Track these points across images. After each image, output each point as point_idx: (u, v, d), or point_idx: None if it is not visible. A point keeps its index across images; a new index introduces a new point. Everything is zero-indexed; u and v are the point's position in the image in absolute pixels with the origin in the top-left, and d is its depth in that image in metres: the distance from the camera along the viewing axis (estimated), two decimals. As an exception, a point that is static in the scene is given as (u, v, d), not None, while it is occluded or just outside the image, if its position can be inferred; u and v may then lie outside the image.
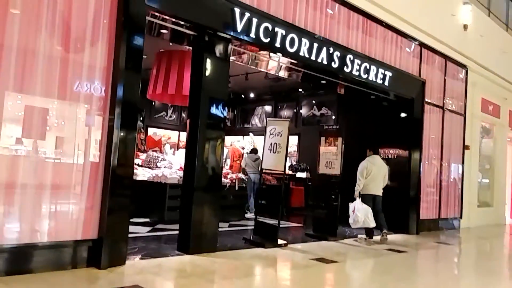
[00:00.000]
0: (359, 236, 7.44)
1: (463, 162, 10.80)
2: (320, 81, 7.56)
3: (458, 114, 10.63)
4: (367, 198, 7.23)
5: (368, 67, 7.45)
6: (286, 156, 6.42)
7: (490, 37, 11.31)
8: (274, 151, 6.55)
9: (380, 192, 7.41)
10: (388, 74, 7.90)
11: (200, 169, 5.29)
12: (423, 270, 6.06)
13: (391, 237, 8.16)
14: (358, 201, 7.12)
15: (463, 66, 10.57)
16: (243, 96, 13.69)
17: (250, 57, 6.51)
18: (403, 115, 9.02)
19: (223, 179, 7.00)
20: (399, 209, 8.73)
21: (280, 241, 6.27)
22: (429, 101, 9.43)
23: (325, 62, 6.63)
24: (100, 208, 4.26)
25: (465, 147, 10.91)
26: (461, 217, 10.68)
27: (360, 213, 6.97)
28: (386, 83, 7.90)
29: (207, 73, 5.34)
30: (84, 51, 4.22)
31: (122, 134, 4.31)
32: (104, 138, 4.30)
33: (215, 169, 5.46)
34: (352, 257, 6.14)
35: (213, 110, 5.37)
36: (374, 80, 7.64)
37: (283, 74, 7.47)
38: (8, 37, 3.77)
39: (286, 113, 13.11)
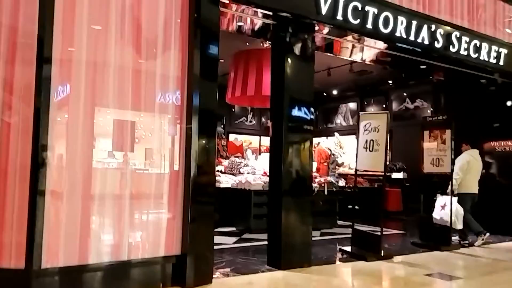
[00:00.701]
0: (474, 243, 6.39)
1: None
2: (419, 66, 6.55)
3: None
4: (466, 198, 6.37)
5: (478, 45, 6.27)
6: (386, 154, 5.55)
7: None
8: (371, 149, 5.71)
9: (477, 190, 6.53)
10: (503, 51, 6.61)
11: (287, 173, 4.69)
12: None
13: (507, 244, 6.85)
14: (454, 199, 6.29)
15: None
16: (325, 94, 12.88)
17: (337, 46, 5.77)
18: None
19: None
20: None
21: (383, 253, 5.42)
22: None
23: (426, 42, 5.64)
24: (182, 220, 3.85)
25: None
26: None
27: (457, 213, 6.24)
28: (501, 62, 6.61)
29: (289, 69, 4.75)
30: (158, 59, 3.91)
31: (201, 141, 3.96)
32: (183, 147, 3.95)
33: (303, 173, 4.81)
34: (477, 271, 5.06)
35: (297, 111, 4.75)
36: (487, 59, 6.42)
37: (375, 61, 6.60)
38: (97, 54, 3.59)
39: (373, 109, 12.03)
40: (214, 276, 4.05)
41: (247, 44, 7.88)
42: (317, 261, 4.97)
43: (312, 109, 4.92)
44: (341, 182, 9.83)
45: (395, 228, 8.15)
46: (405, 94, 11.25)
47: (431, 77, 8.43)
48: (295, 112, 4.75)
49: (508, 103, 7.79)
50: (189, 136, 3.93)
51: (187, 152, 3.91)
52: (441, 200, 6.45)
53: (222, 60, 10.01)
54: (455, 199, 6.35)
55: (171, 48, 3.98)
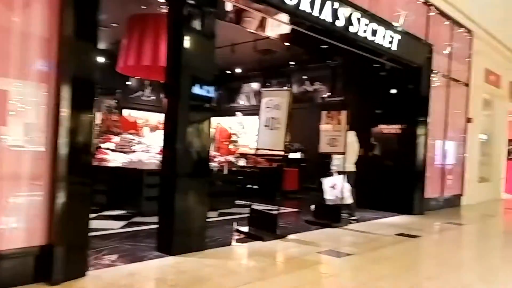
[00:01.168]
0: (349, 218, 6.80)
1: (465, 136, 10.07)
2: (320, 46, 6.53)
3: (463, 84, 9.80)
4: (343, 174, 6.66)
5: (375, 28, 6.43)
6: (287, 133, 5.42)
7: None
8: (272, 127, 5.53)
9: (354, 168, 6.89)
10: (397, 37, 6.92)
11: (182, 153, 4.26)
12: (446, 257, 5.22)
13: (398, 219, 7.39)
14: (339, 177, 6.59)
15: (468, 31, 9.68)
16: (229, 72, 12.57)
17: (241, 16, 5.41)
18: (408, 86, 8.14)
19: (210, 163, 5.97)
20: (403, 188, 8.01)
21: (279, 232, 5.34)
22: (435, 70, 8.54)
23: (329, 19, 5.58)
24: (49, 204, 3.20)
25: (468, 120, 10.15)
26: (462, 194, 10.01)
27: (345, 189, 6.53)
28: (395, 47, 6.92)
29: (188, 40, 4.24)
30: (22, 16, 3.12)
31: (75, 115, 3.29)
32: (52, 121, 3.24)
33: (200, 152, 4.42)
34: (366, 247, 5.24)
35: (195, 87, 4.31)
36: (382, 43, 6.65)
37: (278, 38, 6.40)
38: None
39: (274, 89, 12.07)
40: (90, 268, 3.48)
41: (143, 7, 7.14)
42: (212, 244, 4.68)
43: (212, 87, 4.49)
44: (242, 162, 9.70)
45: (292, 207, 8.26)
46: (305, 77, 11.46)
47: (330, 60, 8.66)
48: (193, 88, 4.30)
49: (393, 91, 8.32)
50: (59, 108, 3.22)
51: (56, 127, 3.22)
52: (329, 181, 6.69)
53: (116, 25, 9.10)
54: (342, 176, 6.61)
55: (39, 2, 3.21)
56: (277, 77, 11.95)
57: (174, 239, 4.23)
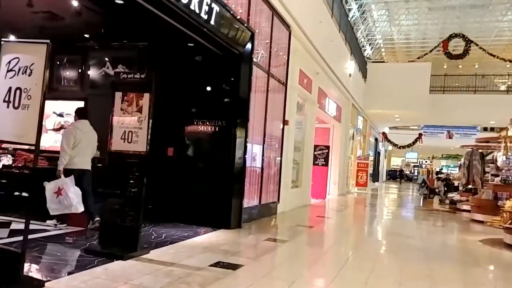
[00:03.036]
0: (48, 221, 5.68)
1: (282, 139, 9.58)
2: (124, 14, 4.60)
3: (280, 83, 9.26)
4: (72, 175, 5.41)
5: (189, -13, 4.88)
6: (42, 115, 3.27)
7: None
8: (16, 105, 3.31)
9: (89, 166, 5.92)
10: (216, 8, 5.53)
11: None
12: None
13: (213, 236, 6.02)
14: (66, 179, 5.35)
15: (288, 26, 9.19)
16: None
17: None
18: (228, 77, 6.94)
19: None
20: (219, 198, 6.77)
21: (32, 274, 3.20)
22: (256, 61, 7.61)
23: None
24: None
25: (284, 122, 9.71)
26: (278, 201, 9.48)
27: (73, 195, 5.30)
28: (213, 21, 5.51)
29: None
30: None
31: None
32: None
33: None
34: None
35: None
36: (198, 11, 5.14)
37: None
38: None
39: (68, 73, 9.37)
40: None
41: None
42: None
43: None
44: (5, 160, 6.99)
45: (77, 223, 5.99)
46: (106, 58, 9.19)
47: (137, 37, 6.84)
48: None
49: (209, 83, 7.06)
50: None
51: None
52: (52, 185, 5.26)
53: None
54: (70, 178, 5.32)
55: None
56: (69, 53, 9.29)
57: None
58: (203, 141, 7.09)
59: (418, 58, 29.22)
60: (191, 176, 6.97)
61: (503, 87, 31.27)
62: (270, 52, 8.40)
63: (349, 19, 18.42)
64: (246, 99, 7.00)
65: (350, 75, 16.05)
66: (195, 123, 7.13)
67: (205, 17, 5.31)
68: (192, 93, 7.13)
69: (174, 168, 7.10)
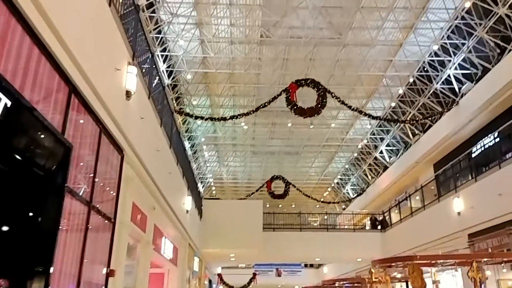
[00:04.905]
0: None
1: (105, 293, 6.93)
2: None
3: (107, 219, 7.03)
4: None
5: None
6: None
7: (149, 123, 9.05)
8: None
9: None
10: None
11: None
12: None
13: None
14: None
15: (120, 150, 7.41)
16: None
17: None
18: (25, 209, 4.52)
19: None
20: None
21: None
22: (72, 188, 5.45)
23: None
24: None
25: (109, 273, 7.18)
26: None
27: None
28: None
29: None
30: None
31: None
32: None
33: None
34: None
35: None
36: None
37: None
38: None
39: None
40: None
41: None
42: None
43: None
44: None
45: None
46: None
47: None
48: None
49: None
50: None
51: None
52: None
53: None
54: None
55: None
56: None
57: None
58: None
59: (249, 195, 30.36)
60: None
61: (315, 224, 34.44)
62: (94, 178, 6.36)
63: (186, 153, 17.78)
64: (51, 240, 4.58)
65: (187, 211, 14.60)
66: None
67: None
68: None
69: None
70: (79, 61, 5.09)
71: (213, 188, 43.32)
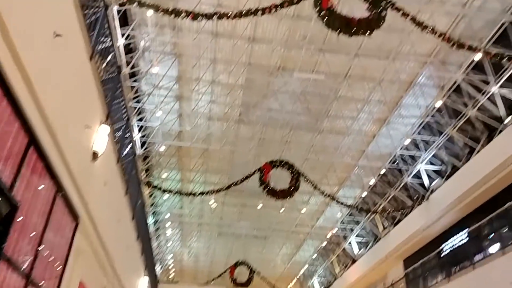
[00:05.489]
0: None
1: None
2: None
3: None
4: None
5: None
6: None
7: (113, 190, 8.21)
8: None
9: None
10: None
11: None
12: None
13: None
14: None
15: (75, 216, 6.49)
16: None
17: None
18: None
19: None
20: None
21: None
22: (9, 255, 4.49)
23: None
24: None
25: None
26: None
27: None
28: None
29: None
30: None
31: None
32: None
33: None
34: None
35: None
36: None
37: None
38: None
39: None
40: None
41: None
42: None
43: None
44: None
45: None
46: None
47: None
48: None
49: None
50: None
51: None
52: None
53: None
54: None
55: None
56: None
57: None
58: None
59: (210, 281, 28.26)
60: None
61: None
62: (38, 247, 5.39)
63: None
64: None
65: (142, 295, 13.06)
66: None
67: None
68: None
69: None
70: (45, 107, 4.50)
71: (172, 271, 40.43)
